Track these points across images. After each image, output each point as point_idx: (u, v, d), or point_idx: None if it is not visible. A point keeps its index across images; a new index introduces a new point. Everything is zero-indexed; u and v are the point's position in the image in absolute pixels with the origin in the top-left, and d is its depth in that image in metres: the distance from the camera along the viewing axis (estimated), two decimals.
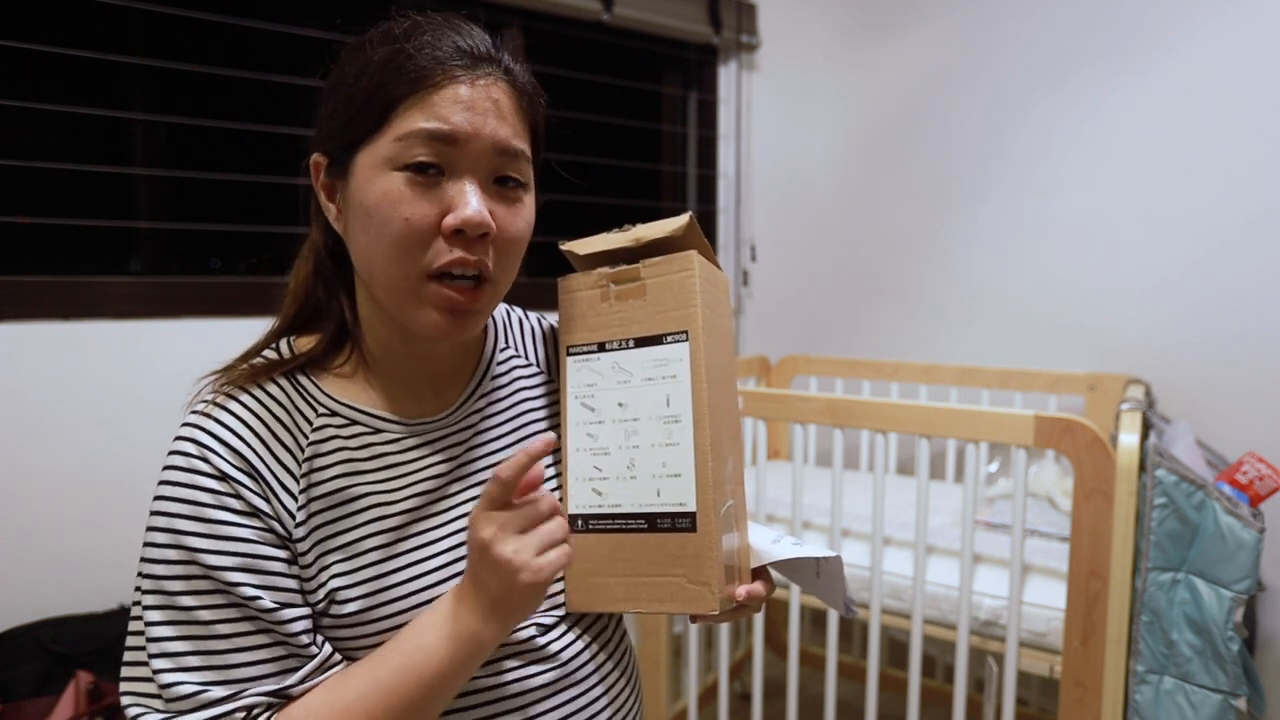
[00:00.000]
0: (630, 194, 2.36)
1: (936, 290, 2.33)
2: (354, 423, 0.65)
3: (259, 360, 0.66)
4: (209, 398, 0.63)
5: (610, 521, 0.66)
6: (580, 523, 0.68)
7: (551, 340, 0.81)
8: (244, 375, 0.64)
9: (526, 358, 0.78)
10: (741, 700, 2.22)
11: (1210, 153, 1.80)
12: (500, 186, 0.62)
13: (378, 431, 0.66)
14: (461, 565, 0.65)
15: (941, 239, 2.31)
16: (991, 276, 2.21)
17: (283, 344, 0.68)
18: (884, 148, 2.44)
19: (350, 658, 0.63)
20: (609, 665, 0.72)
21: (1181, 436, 1.48)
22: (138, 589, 0.59)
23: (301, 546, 0.61)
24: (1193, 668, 1.20)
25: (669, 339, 0.65)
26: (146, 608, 0.58)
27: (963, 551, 1.40)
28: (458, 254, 0.59)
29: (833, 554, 0.72)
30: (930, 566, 1.51)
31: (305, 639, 0.60)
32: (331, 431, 0.64)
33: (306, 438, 0.63)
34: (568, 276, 0.71)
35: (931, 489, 1.78)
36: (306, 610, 0.61)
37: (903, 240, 2.40)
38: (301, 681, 0.59)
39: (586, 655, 0.70)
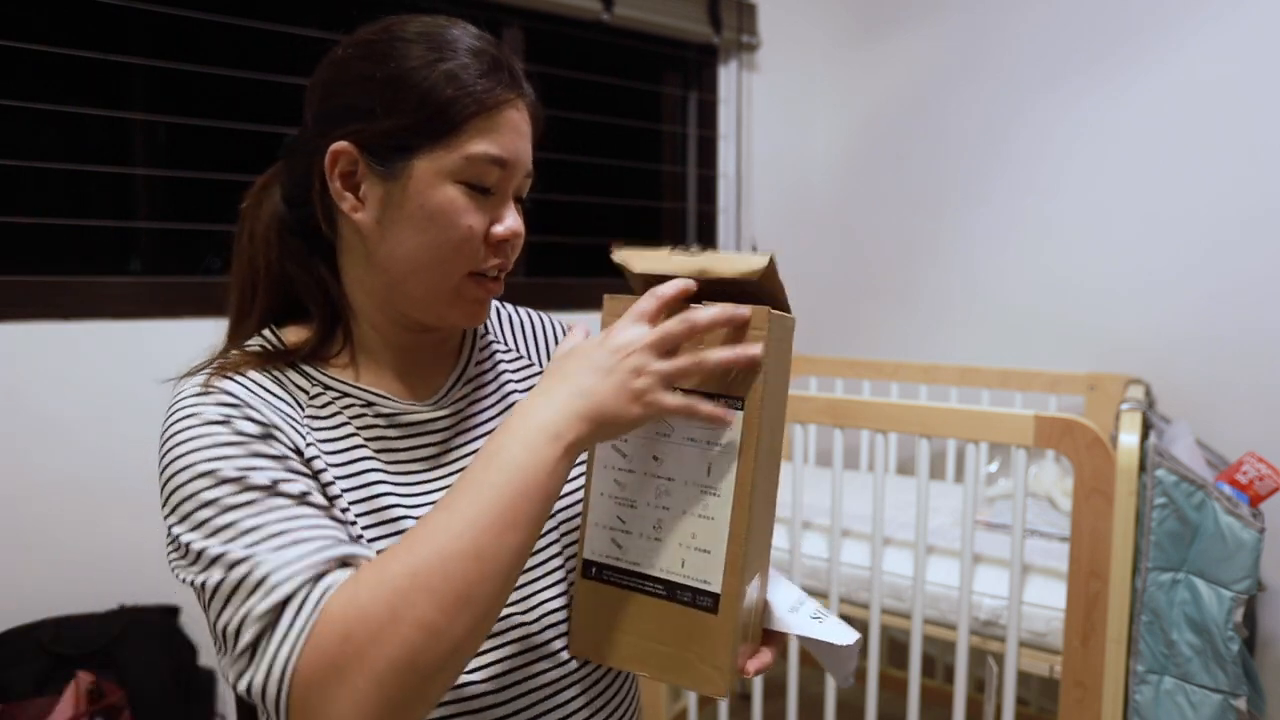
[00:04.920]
0: (630, 194, 2.36)
1: (936, 290, 2.33)
2: (346, 395, 0.67)
3: (253, 348, 0.66)
4: (202, 379, 0.62)
5: (626, 578, 0.63)
6: (594, 570, 0.64)
7: (536, 330, 0.83)
8: (238, 362, 0.64)
9: (506, 344, 0.80)
10: (741, 700, 2.22)
11: (1210, 153, 1.80)
12: (516, 201, 0.69)
13: (370, 405, 0.67)
14: None
15: (941, 239, 2.31)
16: (991, 276, 2.21)
17: (267, 333, 0.68)
18: (884, 148, 2.44)
19: None
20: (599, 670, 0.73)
21: (1181, 436, 1.48)
22: (188, 566, 0.54)
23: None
24: (1193, 668, 1.20)
25: (722, 402, 0.59)
26: (211, 561, 0.53)
27: (963, 551, 1.40)
28: (497, 259, 0.67)
29: (853, 640, 0.66)
30: (930, 566, 1.50)
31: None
32: (327, 399, 0.66)
33: (303, 409, 0.64)
34: (617, 296, 0.64)
35: (931, 489, 1.78)
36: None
37: (903, 240, 2.40)
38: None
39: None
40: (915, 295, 2.38)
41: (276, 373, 0.65)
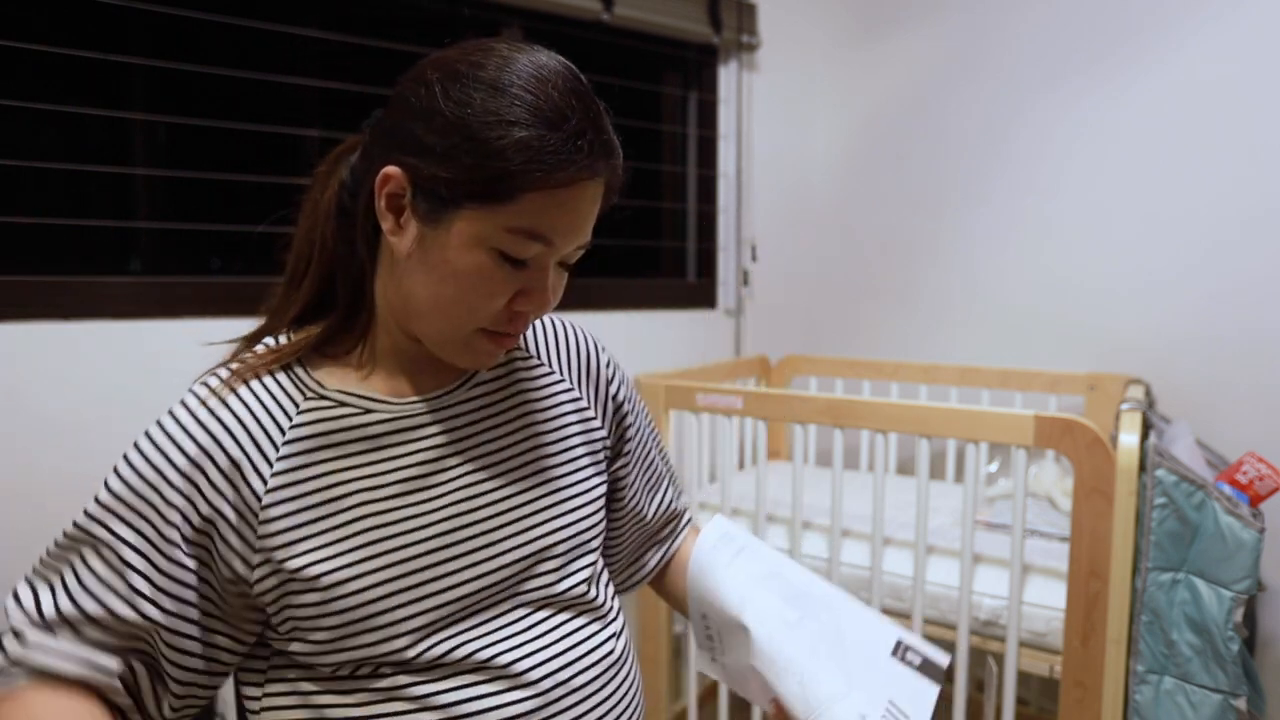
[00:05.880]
0: (630, 194, 2.36)
1: (936, 290, 2.33)
2: (342, 404, 0.66)
3: (263, 351, 0.68)
4: (205, 383, 0.66)
5: None
6: None
7: (566, 341, 0.81)
8: (245, 369, 0.66)
9: (527, 350, 0.79)
10: (742, 700, 2.23)
11: (1210, 153, 1.80)
12: (561, 265, 0.67)
13: (367, 412, 0.66)
14: (456, 547, 0.66)
15: (942, 239, 2.31)
16: (991, 276, 2.21)
17: (282, 337, 0.70)
18: (884, 148, 2.44)
19: (320, 627, 0.62)
20: (597, 685, 0.71)
21: (1181, 436, 1.48)
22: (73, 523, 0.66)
23: (266, 529, 0.62)
24: (1193, 668, 1.20)
25: None
26: (58, 544, 0.66)
27: (963, 551, 1.40)
28: (514, 325, 0.65)
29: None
30: (930, 566, 1.51)
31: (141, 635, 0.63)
32: (317, 414, 0.65)
33: (290, 419, 0.65)
34: None
35: (931, 489, 1.78)
36: (175, 613, 0.63)
37: (903, 240, 2.40)
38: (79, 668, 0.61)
39: (568, 676, 0.69)
40: (915, 295, 2.38)
41: (281, 376, 0.66)
